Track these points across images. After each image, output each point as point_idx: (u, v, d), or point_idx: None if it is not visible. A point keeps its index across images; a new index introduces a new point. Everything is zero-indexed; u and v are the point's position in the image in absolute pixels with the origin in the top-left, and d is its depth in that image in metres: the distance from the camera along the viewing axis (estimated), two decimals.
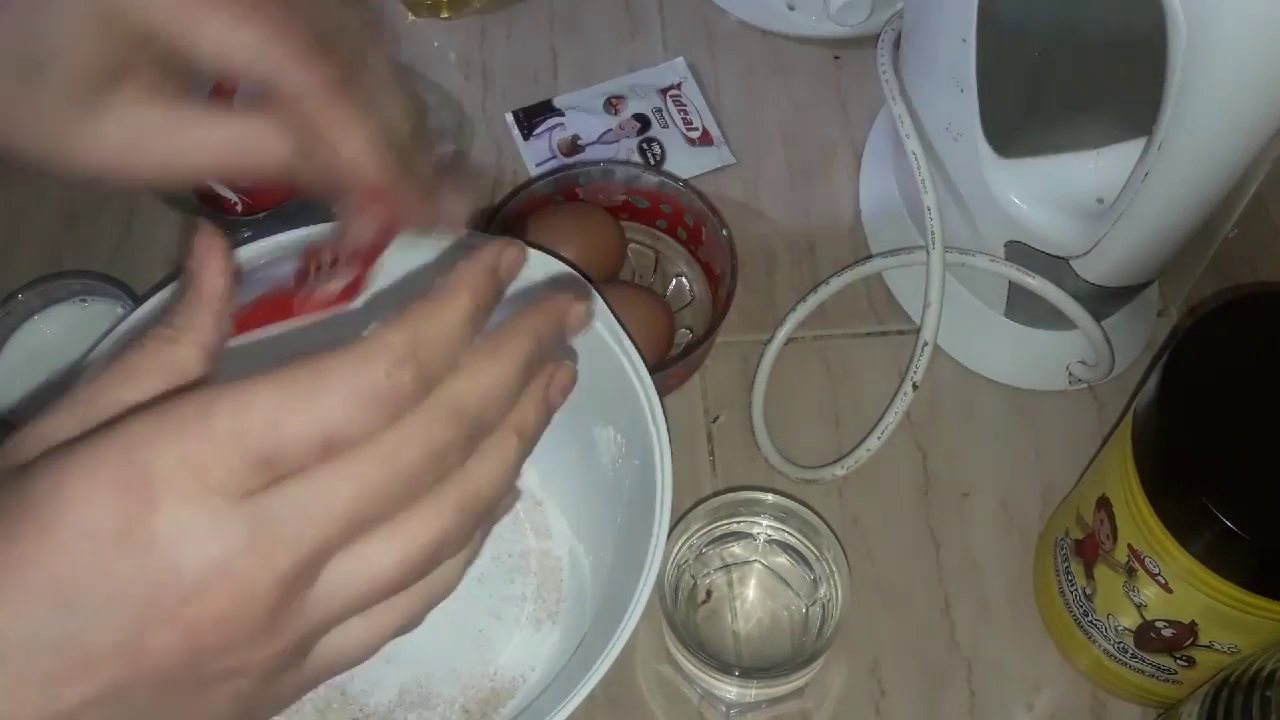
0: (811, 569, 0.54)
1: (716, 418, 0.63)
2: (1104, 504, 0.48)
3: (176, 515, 0.25)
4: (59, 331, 0.61)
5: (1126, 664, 0.51)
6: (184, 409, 0.26)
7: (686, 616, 0.54)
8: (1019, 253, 0.58)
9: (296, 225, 0.51)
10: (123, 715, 0.27)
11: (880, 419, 0.59)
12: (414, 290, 0.29)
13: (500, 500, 0.31)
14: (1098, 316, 0.58)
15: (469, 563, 0.32)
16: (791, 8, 0.74)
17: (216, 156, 0.38)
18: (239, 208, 0.66)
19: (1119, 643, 0.51)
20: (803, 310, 0.63)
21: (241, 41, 0.35)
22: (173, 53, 0.36)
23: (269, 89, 0.35)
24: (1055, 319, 0.59)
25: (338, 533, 0.27)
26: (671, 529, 0.47)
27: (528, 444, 0.31)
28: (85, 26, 0.35)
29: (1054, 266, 0.57)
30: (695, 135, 0.71)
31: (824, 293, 0.62)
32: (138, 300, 0.51)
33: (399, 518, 0.28)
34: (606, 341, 0.50)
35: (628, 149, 0.70)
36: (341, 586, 0.28)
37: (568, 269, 0.51)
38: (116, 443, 0.26)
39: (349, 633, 0.30)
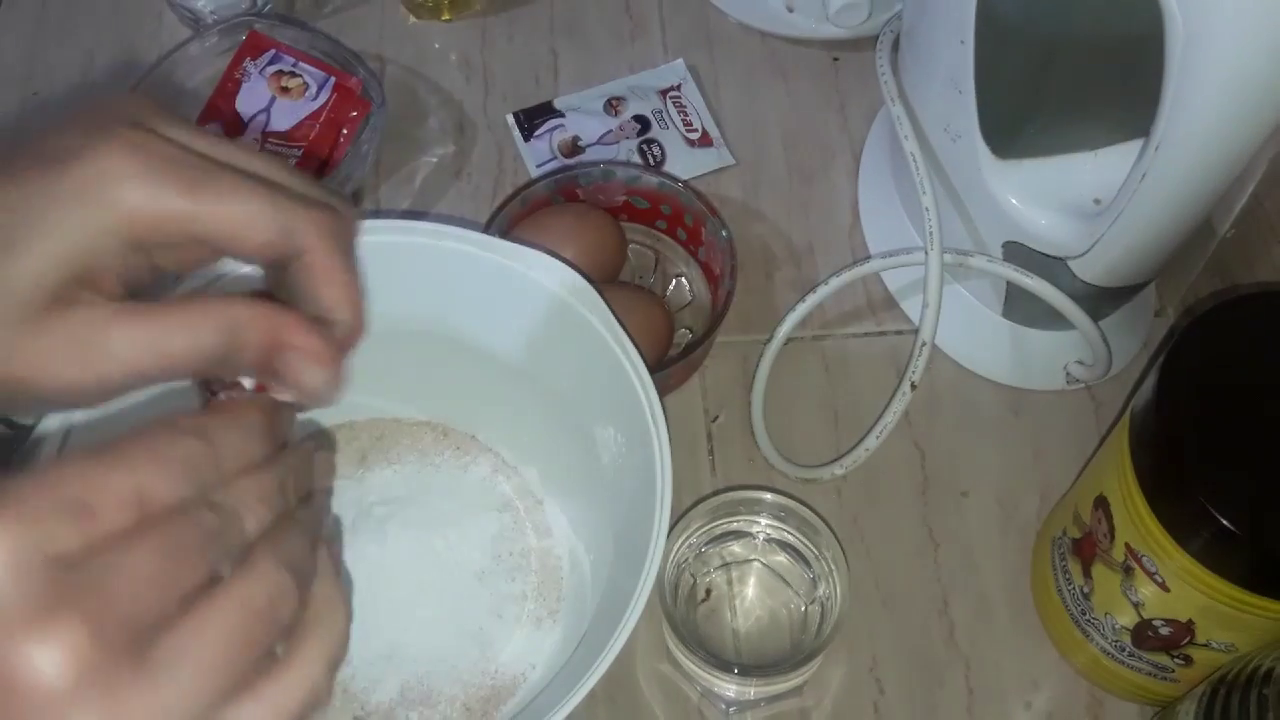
0: (810, 568, 0.54)
1: (716, 418, 0.63)
2: (1101, 503, 0.49)
3: None
4: None
5: (1124, 662, 0.51)
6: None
7: (686, 615, 0.54)
8: (1017, 253, 0.58)
9: None
10: None
11: (879, 419, 0.60)
12: None
13: (347, 647, 0.32)
14: (1095, 316, 0.58)
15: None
16: (791, 9, 0.75)
17: (136, 361, 0.34)
18: None
19: (1116, 641, 0.51)
20: (802, 310, 0.63)
21: (247, 206, 0.34)
22: (170, 232, 0.34)
23: (279, 252, 0.35)
24: (1053, 319, 0.59)
25: (213, 696, 0.27)
26: (671, 528, 0.47)
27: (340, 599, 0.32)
28: (75, 212, 0.33)
29: (1051, 267, 0.57)
30: (695, 136, 0.71)
31: (823, 293, 0.63)
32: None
33: (271, 680, 0.29)
34: (606, 341, 0.50)
35: (628, 150, 0.71)
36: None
37: (573, 272, 0.51)
38: None
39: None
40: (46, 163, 0.33)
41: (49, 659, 0.25)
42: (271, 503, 0.31)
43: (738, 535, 0.55)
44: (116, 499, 0.26)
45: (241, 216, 0.34)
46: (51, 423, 0.46)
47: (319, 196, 0.37)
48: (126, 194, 0.33)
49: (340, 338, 0.36)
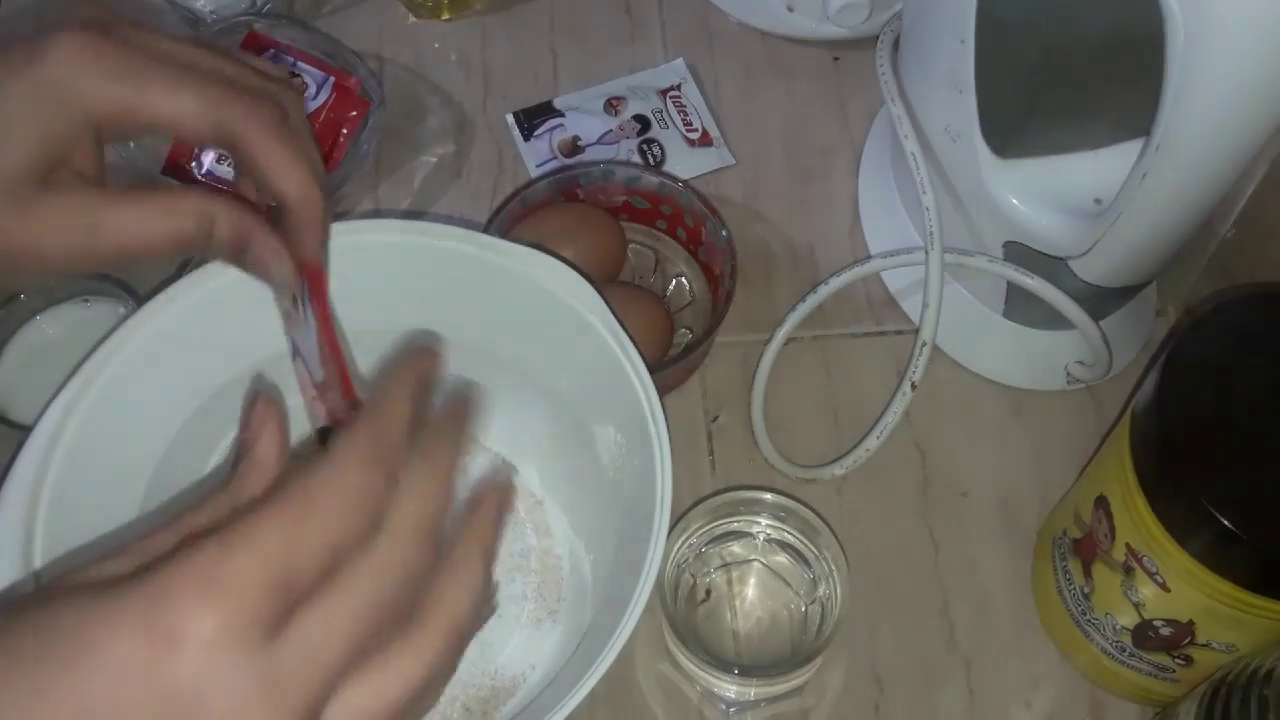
0: (810, 568, 0.54)
1: (716, 418, 0.63)
2: (1102, 503, 0.49)
3: (202, 657, 0.26)
4: (60, 331, 0.61)
5: (1125, 663, 0.51)
6: (201, 553, 0.27)
7: (686, 615, 0.54)
8: (1017, 253, 0.58)
9: None
10: None
11: (879, 419, 0.60)
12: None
13: (479, 619, 0.32)
14: (1096, 316, 0.58)
15: (448, 680, 0.32)
16: (791, 9, 0.75)
17: (127, 237, 0.41)
18: None
19: (1117, 641, 0.51)
20: (802, 310, 0.63)
21: (184, 101, 0.41)
22: (124, 123, 0.41)
23: (217, 140, 0.41)
24: (1053, 319, 0.59)
25: (343, 664, 0.28)
26: (671, 528, 0.47)
27: (489, 557, 0.33)
28: (42, 108, 0.39)
29: (1052, 267, 0.57)
30: (695, 136, 0.71)
31: (823, 293, 0.63)
32: (139, 300, 0.51)
33: (392, 653, 0.30)
34: (606, 341, 0.50)
35: (628, 150, 0.71)
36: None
37: (573, 272, 0.51)
38: (141, 588, 0.27)
39: None
40: (10, 65, 0.39)
41: None
42: (431, 497, 0.31)
43: (738, 535, 0.55)
44: (316, 563, 0.28)
45: (178, 110, 0.41)
46: (46, 424, 0.46)
47: (259, 86, 0.42)
48: (82, 89, 0.39)
49: (299, 217, 0.42)
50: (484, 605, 0.32)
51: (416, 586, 0.30)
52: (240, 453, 0.33)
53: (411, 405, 0.32)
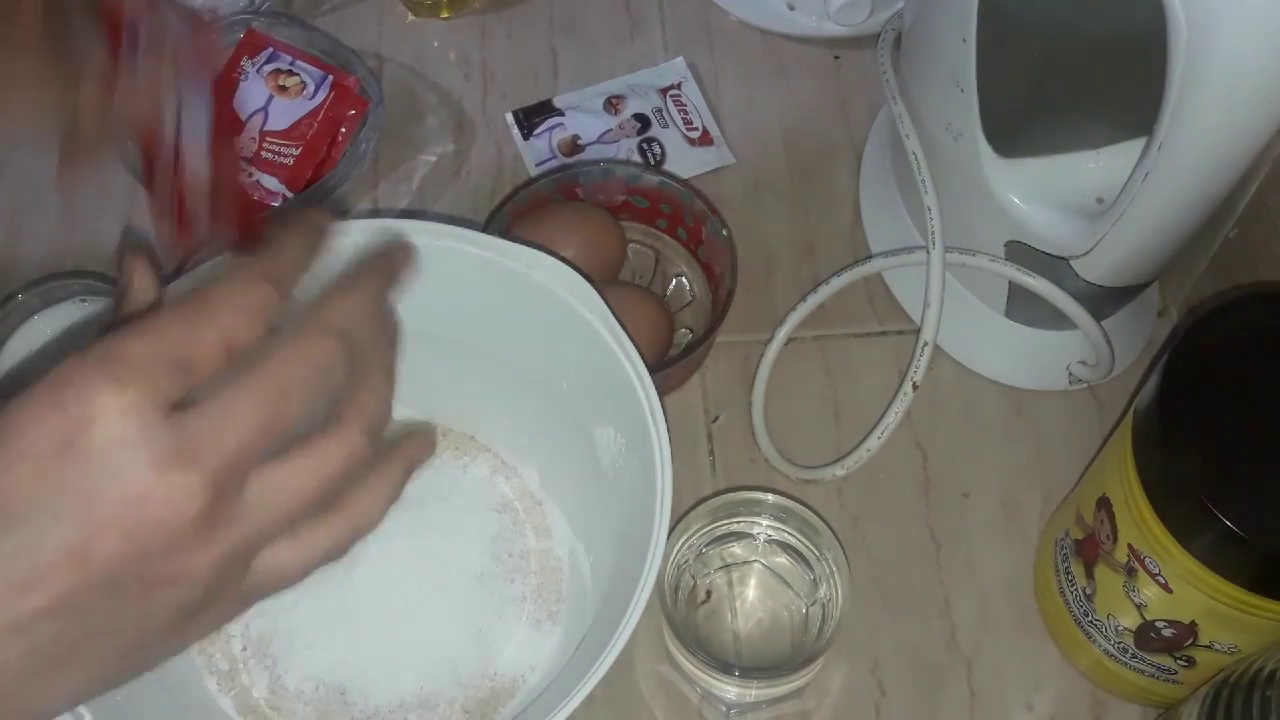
0: (811, 569, 0.54)
1: (716, 418, 0.63)
2: (1104, 504, 0.48)
3: (110, 428, 0.28)
4: (59, 332, 0.61)
5: (1127, 664, 0.51)
6: (106, 343, 0.29)
7: (686, 616, 0.54)
8: (1019, 253, 0.58)
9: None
10: (73, 624, 0.29)
11: (880, 419, 0.59)
12: None
13: (385, 418, 0.35)
14: (1098, 316, 0.58)
15: (391, 500, 0.36)
16: (792, 8, 0.74)
17: None
18: None
19: (1119, 643, 0.51)
20: (803, 310, 0.63)
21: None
22: None
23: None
24: (1055, 319, 0.59)
25: (252, 439, 0.30)
26: (671, 529, 0.47)
27: (392, 371, 0.36)
28: None
29: (1054, 266, 0.57)
30: (695, 135, 0.71)
31: (824, 293, 0.62)
32: None
33: (311, 439, 0.32)
34: (606, 341, 0.50)
35: (628, 149, 0.70)
36: (267, 499, 0.31)
37: (573, 272, 0.51)
38: (51, 377, 0.29)
39: (280, 553, 0.33)
40: None
41: (177, 503, 0.29)
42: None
43: (738, 536, 0.55)
44: (210, 351, 0.30)
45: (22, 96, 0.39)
46: None
47: None
48: None
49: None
50: (388, 407, 0.35)
51: (328, 385, 0.32)
52: (119, 296, 0.36)
53: (307, 247, 0.35)
